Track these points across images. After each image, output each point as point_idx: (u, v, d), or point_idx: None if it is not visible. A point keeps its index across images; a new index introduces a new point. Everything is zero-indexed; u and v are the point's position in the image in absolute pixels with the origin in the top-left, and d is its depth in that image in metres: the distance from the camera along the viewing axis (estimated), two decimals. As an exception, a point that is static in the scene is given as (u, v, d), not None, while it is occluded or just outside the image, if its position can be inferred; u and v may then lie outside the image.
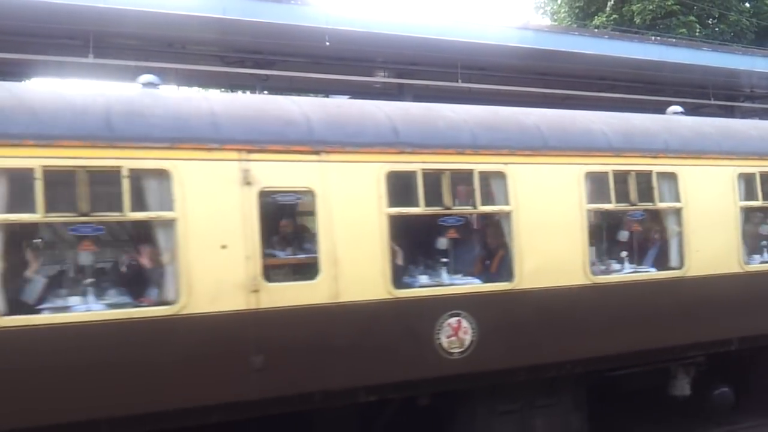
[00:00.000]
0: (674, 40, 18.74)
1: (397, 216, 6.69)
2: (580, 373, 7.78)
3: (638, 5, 24.67)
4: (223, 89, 16.56)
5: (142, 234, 6.15)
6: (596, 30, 22.91)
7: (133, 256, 6.21)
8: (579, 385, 7.88)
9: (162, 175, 5.87)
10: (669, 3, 24.30)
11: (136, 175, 5.79)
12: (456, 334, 6.87)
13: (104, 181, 5.71)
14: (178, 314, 5.86)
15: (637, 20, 24.37)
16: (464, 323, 6.89)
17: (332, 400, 6.55)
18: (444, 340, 6.83)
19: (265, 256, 6.18)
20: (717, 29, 26.59)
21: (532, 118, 7.67)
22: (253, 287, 6.08)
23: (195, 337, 5.94)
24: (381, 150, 6.66)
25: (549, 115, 7.96)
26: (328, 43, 12.23)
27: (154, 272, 6.03)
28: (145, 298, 5.97)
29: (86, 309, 5.67)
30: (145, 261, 6.05)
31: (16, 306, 5.56)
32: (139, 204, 5.82)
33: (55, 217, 5.63)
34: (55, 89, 6.65)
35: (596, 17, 25.54)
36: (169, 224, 5.90)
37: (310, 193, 6.37)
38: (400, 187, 6.71)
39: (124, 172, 5.73)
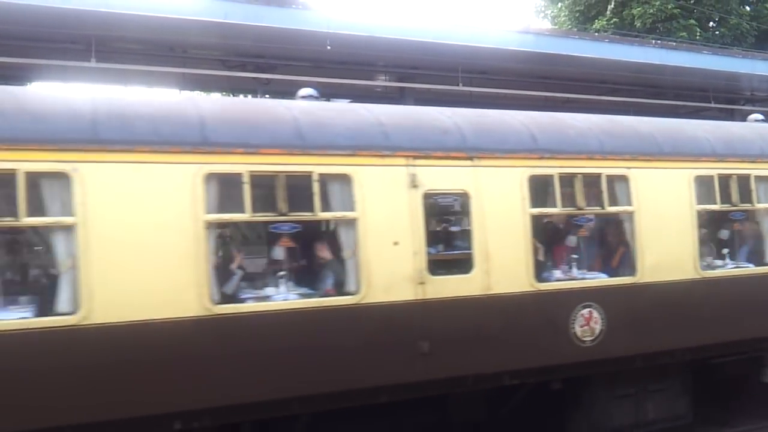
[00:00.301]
0: (675, 43, 18.83)
1: (538, 215, 7.35)
2: (687, 361, 8.41)
3: (639, 9, 24.78)
4: (224, 93, 16.70)
5: (326, 231, 6.82)
6: (597, 34, 23.30)
7: (318, 251, 6.87)
8: (686, 372, 8.52)
9: (344, 179, 6.53)
10: (669, 7, 24.46)
11: (324, 179, 6.45)
12: (588, 324, 7.52)
13: (298, 184, 6.38)
14: (359, 303, 6.53)
15: (638, 24, 24.47)
16: (595, 314, 7.54)
17: (482, 383, 7.20)
18: (578, 329, 7.48)
19: (429, 251, 6.83)
20: (717, 33, 26.74)
21: (647, 126, 8.35)
22: (419, 279, 6.74)
23: (372, 324, 6.59)
24: (524, 156, 7.32)
25: (661, 123, 8.70)
26: (329, 47, 12.32)
27: (337, 266, 6.69)
28: (330, 289, 6.62)
29: (284, 298, 6.33)
30: (328, 256, 6.71)
31: (222, 296, 6.23)
32: (325, 205, 6.48)
33: (260, 217, 6.30)
34: (252, 101, 7.30)
35: (596, 21, 25.69)
36: (351, 223, 6.56)
37: (465, 194, 7.03)
38: (539, 190, 7.37)
39: (315, 177, 6.39)
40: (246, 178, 6.11)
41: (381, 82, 14.56)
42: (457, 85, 14.15)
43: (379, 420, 7.78)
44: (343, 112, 7.07)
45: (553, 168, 7.38)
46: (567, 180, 7.45)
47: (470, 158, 7.04)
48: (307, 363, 6.35)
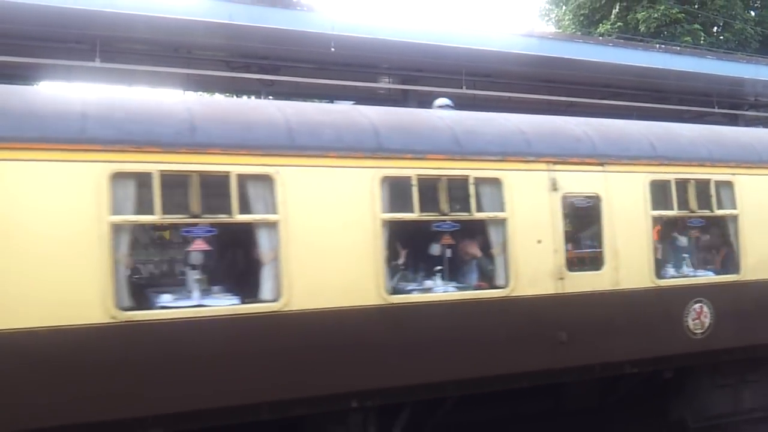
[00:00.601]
0: (679, 48, 18.73)
1: (657, 217, 8.01)
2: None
3: (643, 13, 24.79)
4: (227, 94, 16.82)
5: (477, 229, 7.46)
6: (601, 37, 22.94)
7: (469, 248, 7.49)
8: (779, 364, 9.11)
9: (495, 182, 7.17)
10: (674, 11, 24.48)
11: (478, 182, 7.09)
12: (699, 318, 8.15)
13: (456, 186, 7.02)
14: (508, 296, 7.17)
15: (642, 28, 24.46)
16: (705, 308, 8.17)
17: (607, 371, 7.84)
18: (690, 322, 8.11)
19: (567, 249, 7.48)
20: (721, 37, 26.33)
21: (748, 136, 9.02)
22: (559, 275, 7.38)
23: (519, 315, 7.22)
24: (645, 162, 7.97)
25: (759, 133, 9.42)
26: (333, 50, 12.32)
27: (486, 262, 7.32)
28: (482, 282, 7.26)
29: (443, 290, 6.97)
30: (478, 252, 7.34)
31: (393, 288, 6.86)
32: (479, 205, 7.12)
33: (427, 216, 6.94)
34: (406, 111, 7.95)
35: (601, 25, 25.65)
36: (501, 222, 7.20)
37: (596, 197, 7.66)
38: (657, 193, 8.03)
39: (471, 180, 7.04)
40: (414, 181, 6.73)
41: (384, 84, 14.58)
42: (461, 87, 14.08)
43: (498, 406, 8.42)
44: (489, 121, 7.71)
45: (670, 174, 8.01)
46: (681, 185, 8.08)
47: (601, 164, 7.68)
48: (462, 349, 6.95)
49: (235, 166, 6.08)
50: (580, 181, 7.54)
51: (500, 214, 7.10)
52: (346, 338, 6.42)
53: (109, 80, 12.39)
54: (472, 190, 6.93)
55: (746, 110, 19.30)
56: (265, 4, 11.78)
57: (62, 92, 6.86)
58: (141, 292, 6.15)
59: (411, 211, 6.73)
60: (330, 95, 14.94)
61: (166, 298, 5.98)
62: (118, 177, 5.75)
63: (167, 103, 6.42)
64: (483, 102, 14.16)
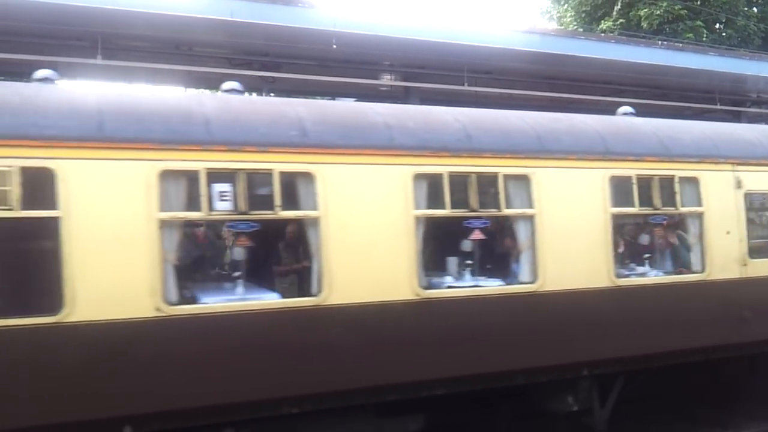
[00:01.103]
0: (681, 44, 18.27)
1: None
2: None
3: (645, 10, 24.30)
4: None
5: (679, 222, 8.60)
6: (603, 34, 22.87)
7: (669, 238, 8.63)
8: None
9: (693, 181, 8.26)
10: (676, 8, 24.00)
11: (682, 181, 8.18)
12: None
13: (665, 185, 8.11)
14: (704, 280, 8.26)
15: (644, 25, 24.01)
16: None
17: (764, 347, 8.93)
18: (816, 308, 9.15)
19: (749, 239, 8.59)
20: (724, 34, 25.94)
21: None
22: (743, 262, 8.47)
23: (713, 296, 8.32)
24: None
25: None
26: (335, 46, 12.29)
27: (683, 250, 8.44)
28: (682, 268, 8.37)
29: (655, 275, 8.09)
30: (676, 241, 8.45)
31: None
32: (682, 201, 8.21)
33: (644, 211, 8.05)
34: (622, 119, 9.03)
35: (603, 22, 25.16)
36: (699, 216, 8.28)
37: (769, 194, 8.74)
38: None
39: (676, 179, 8.12)
40: (634, 180, 7.82)
41: (386, 81, 14.57)
42: (463, 84, 13.92)
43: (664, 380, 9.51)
44: (681, 126, 8.84)
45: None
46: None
47: (769, 165, 8.75)
48: (669, 325, 8.04)
49: (501, 167, 7.12)
50: (757, 180, 8.61)
51: (698, 209, 8.16)
52: (584, 315, 7.46)
53: (110, 78, 12.28)
54: (677, 187, 7.99)
55: (749, 107, 19.31)
56: (266, 1, 11.66)
57: (362, 105, 7.92)
58: (429, 274, 7.22)
59: (632, 205, 7.79)
60: (331, 92, 14.86)
61: (448, 280, 7.04)
62: (418, 177, 6.81)
63: (440, 114, 7.48)
64: (484, 99, 14.05)
